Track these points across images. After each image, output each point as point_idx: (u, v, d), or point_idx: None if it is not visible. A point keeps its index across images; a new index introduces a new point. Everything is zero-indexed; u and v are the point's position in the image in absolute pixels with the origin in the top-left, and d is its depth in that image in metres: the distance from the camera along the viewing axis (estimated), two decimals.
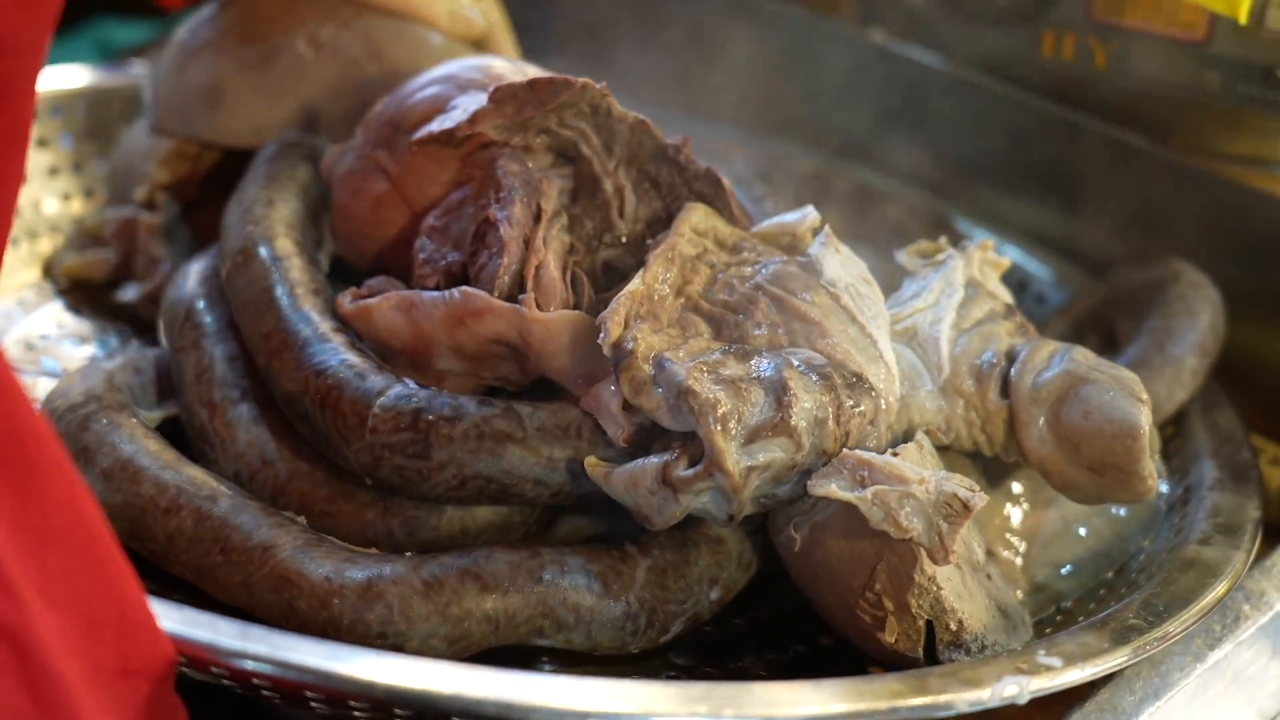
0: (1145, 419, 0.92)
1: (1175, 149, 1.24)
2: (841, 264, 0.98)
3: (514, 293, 0.95)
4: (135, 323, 1.18)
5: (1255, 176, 1.21)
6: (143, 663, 0.70)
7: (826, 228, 0.99)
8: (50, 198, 1.31)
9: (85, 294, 1.23)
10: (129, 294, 1.17)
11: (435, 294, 0.95)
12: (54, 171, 1.31)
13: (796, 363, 0.90)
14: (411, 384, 0.93)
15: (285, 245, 1.01)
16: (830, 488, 0.87)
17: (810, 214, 0.99)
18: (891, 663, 0.90)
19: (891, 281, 1.05)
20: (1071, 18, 1.21)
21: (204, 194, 1.19)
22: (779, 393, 0.87)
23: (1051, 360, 0.97)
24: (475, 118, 0.98)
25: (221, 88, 1.15)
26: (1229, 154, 1.23)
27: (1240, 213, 1.19)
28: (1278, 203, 1.18)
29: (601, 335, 0.90)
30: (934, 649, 0.88)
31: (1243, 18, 1.10)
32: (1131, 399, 0.93)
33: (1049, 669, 0.82)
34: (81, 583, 0.67)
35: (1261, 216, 1.18)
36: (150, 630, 0.70)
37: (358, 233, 1.04)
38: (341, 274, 1.06)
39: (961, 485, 0.85)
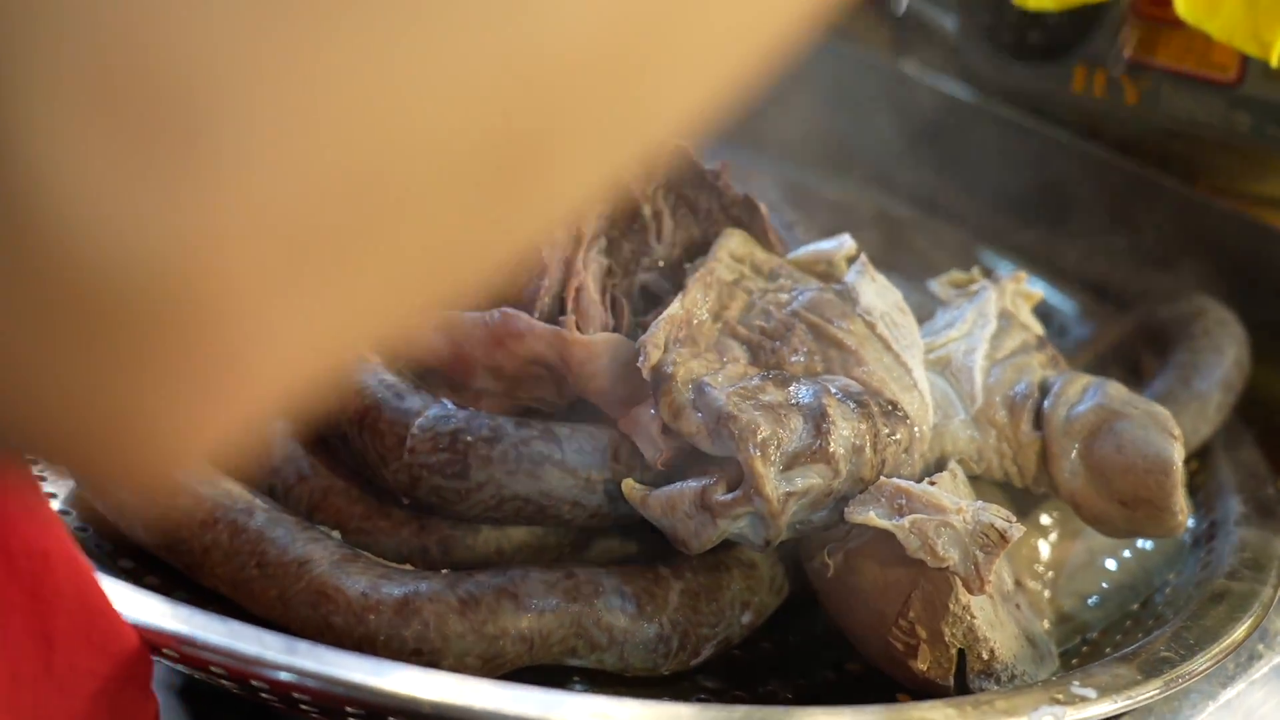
0: (1178, 455, 0.93)
1: (1203, 188, 1.25)
2: (877, 293, 0.99)
3: (554, 314, 0.96)
4: None
5: None
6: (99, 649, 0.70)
7: (863, 256, 1.00)
8: None
9: None
10: None
11: (475, 314, 0.96)
12: None
13: (834, 390, 0.90)
14: (450, 404, 0.93)
15: None
16: (868, 515, 0.87)
17: (846, 242, 1.00)
18: (921, 690, 0.90)
19: (919, 311, 1.06)
20: (1103, 55, 1.22)
21: None
22: (818, 419, 0.88)
23: (1085, 394, 0.98)
24: None
25: None
26: (1257, 195, 1.24)
27: (1266, 253, 1.20)
28: None
29: (641, 359, 0.91)
30: (964, 677, 0.89)
31: (1275, 60, 1.11)
32: (1165, 435, 0.94)
33: (1084, 700, 0.82)
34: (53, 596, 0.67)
35: None
36: (125, 637, 0.70)
37: None
38: None
39: (999, 516, 0.86)
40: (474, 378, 0.97)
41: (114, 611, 0.71)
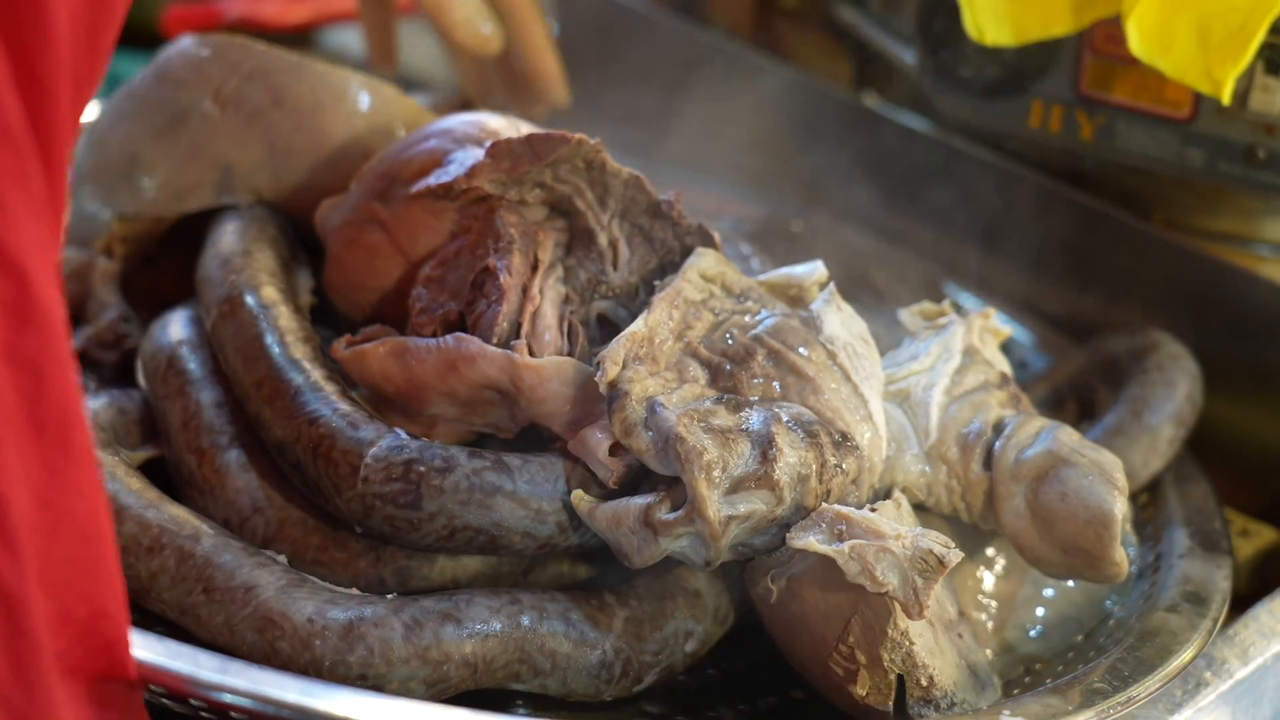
0: (1119, 508, 0.95)
1: (1158, 222, 1.26)
2: (842, 322, 1.00)
3: (510, 340, 0.97)
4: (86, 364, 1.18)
5: (1235, 253, 1.23)
6: (102, 672, 0.71)
7: (831, 285, 1.01)
8: None
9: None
10: (76, 340, 1.17)
11: (429, 340, 0.97)
12: None
13: (785, 418, 0.91)
14: (403, 434, 0.94)
15: (271, 293, 1.03)
16: (809, 540, 0.88)
17: (818, 268, 1.02)
18: (862, 717, 0.91)
19: (878, 343, 1.07)
20: (1060, 91, 1.24)
21: (160, 249, 1.20)
22: (765, 446, 0.89)
23: (1036, 438, 0.99)
24: (473, 172, 1.00)
25: (136, 157, 1.16)
26: (1210, 230, 1.25)
27: (1219, 288, 1.22)
28: (1256, 279, 1.20)
29: (599, 374, 0.92)
30: (904, 704, 0.90)
31: (1226, 98, 1.12)
32: (1109, 486, 0.95)
33: None
34: (74, 577, 0.68)
35: (1240, 292, 1.21)
36: (118, 646, 0.71)
37: (352, 284, 1.06)
38: (322, 323, 1.07)
39: (937, 542, 0.87)
40: (428, 404, 0.98)
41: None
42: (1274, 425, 1.21)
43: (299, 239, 1.14)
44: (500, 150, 1.00)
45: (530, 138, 1.00)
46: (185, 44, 1.19)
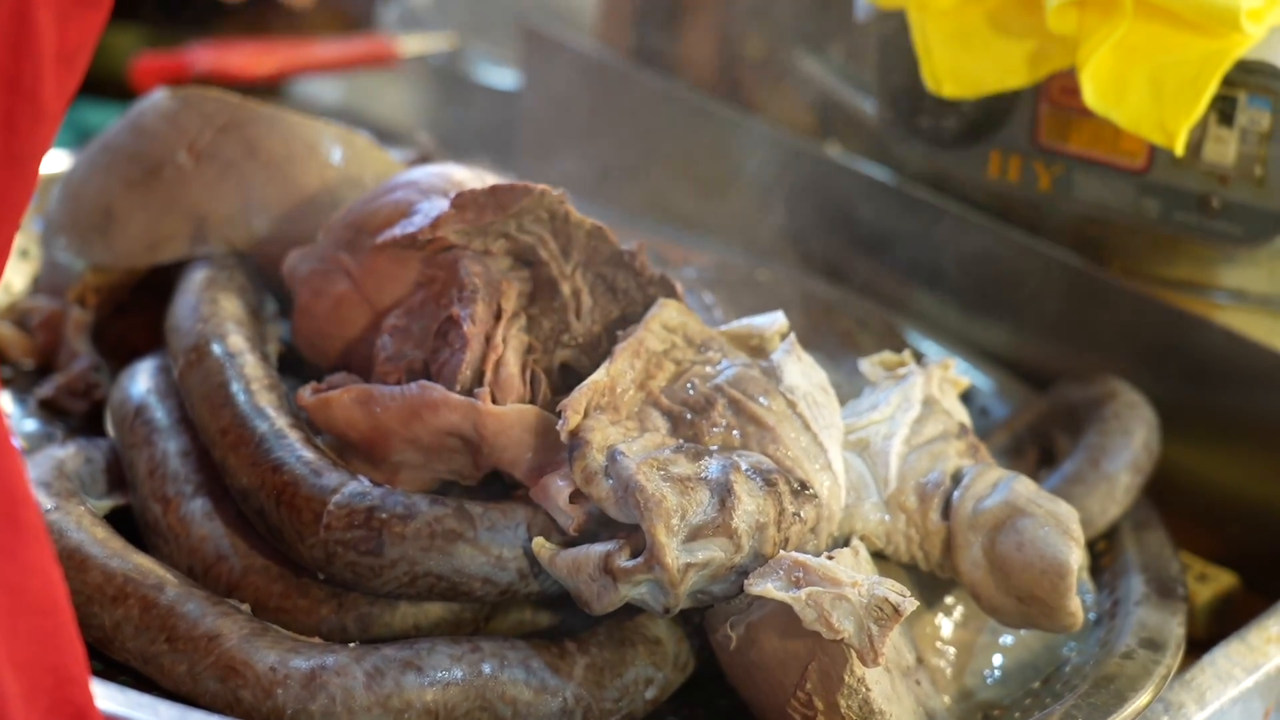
0: (1075, 559, 0.96)
1: (1116, 271, 1.28)
2: (802, 372, 1.01)
3: (474, 388, 0.98)
4: (56, 413, 1.18)
5: (1191, 301, 1.25)
6: None
7: (792, 335, 1.02)
8: (21, 278, 1.33)
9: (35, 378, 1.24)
10: (46, 389, 1.18)
11: (394, 388, 0.98)
12: (25, 254, 1.34)
13: (745, 466, 0.93)
14: (366, 482, 0.95)
15: (237, 341, 1.04)
16: (766, 587, 0.89)
17: (779, 319, 1.03)
18: None
19: (838, 391, 1.08)
20: (1017, 141, 1.26)
21: (132, 299, 1.21)
22: (723, 495, 0.90)
23: (994, 488, 1.00)
24: (438, 222, 1.01)
25: (110, 209, 1.17)
26: (1167, 278, 1.27)
27: (1176, 335, 1.23)
28: (1212, 327, 1.22)
29: (560, 422, 0.93)
30: None
31: (1179, 149, 1.14)
32: (1065, 537, 0.96)
33: None
34: (38, 651, 0.68)
35: (1196, 340, 1.22)
36: (87, 710, 0.72)
37: (319, 332, 1.07)
38: (289, 371, 1.08)
39: (893, 590, 0.88)
40: (392, 450, 0.99)
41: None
42: (1231, 471, 1.22)
43: (270, 288, 1.15)
44: (465, 201, 1.01)
45: (494, 189, 1.01)
46: (159, 97, 1.20)
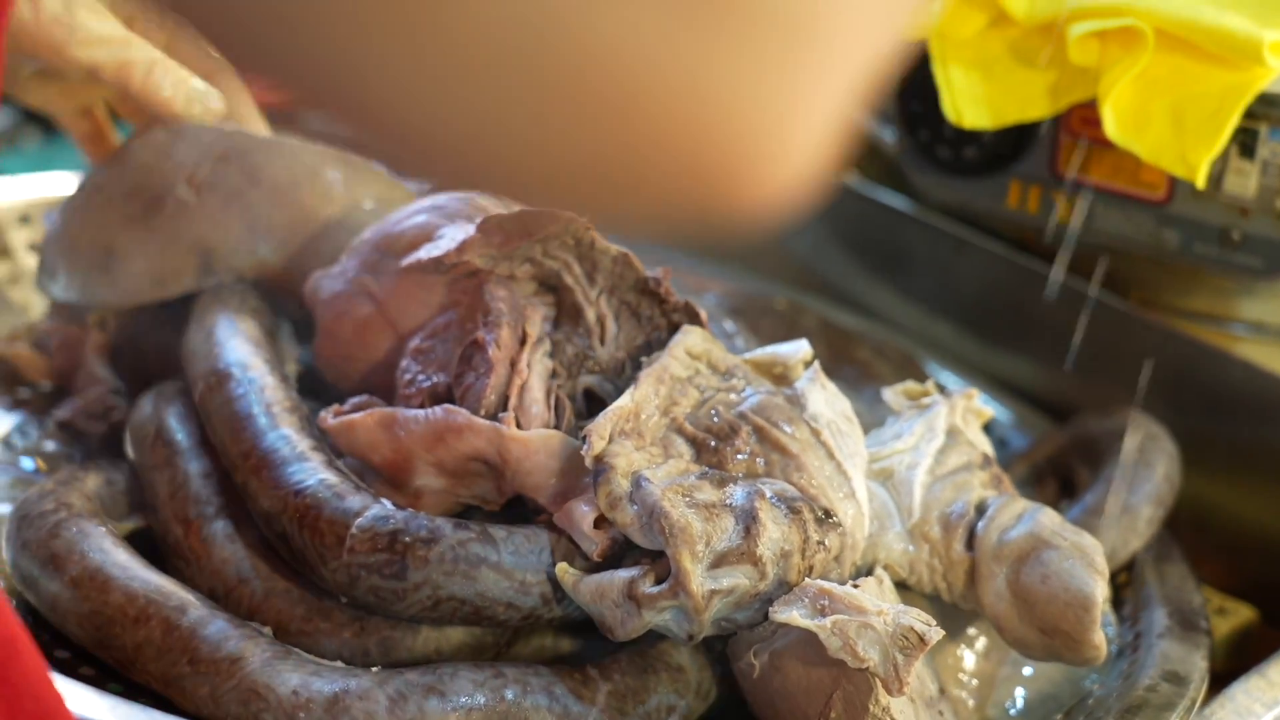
0: (1100, 591, 0.96)
1: (1135, 303, 1.28)
2: (826, 400, 1.01)
3: (498, 413, 0.98)
4: (74, 435, 1.18)
5: (1211, 333, 1.25)
6: None
7: (816, 364, 1.02)
8: (41, 300, 1.33)
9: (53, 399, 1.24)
10: (64, 411, 1.18)
11: (418, 411, 0.98)
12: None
13: (769, 494, 0.92)
14: (389, 505, 0.95)
15: (257, 364, 1.04)
16: (791, 614, 0.89)
17: (803, 347, 1.03)
18: None
19: (862, 419, 1.08)
20: (1037, 172, 1.26)
21: (152, 320, 1.20)
22: (748, 522, 0.90)
23: (1019, 520, 1.00)
24: (464, 246, 1.01)
25: (111, 248, 1.16)
26: (1187, 310, 1.27)
27: (1196, 367, 1.23)
28: (1232, 359, 1.22)
29: (585, 447, 0.93)
30: None
31: (1200, 182, 1.15)
32: (1090, 569, 0.96)
33: None
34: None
35: (1216, 372, 1.23)
36: None
37: (342, 355, 1.07)
38: (307, 394, 1.08)
39: (919, 619, 0.88)
40: (415, 474, 0.99)
41: (66, 712, 0.73)
42: (1250, 504, 1.22)
43: (284, 312, 1.15)
44: (491, 226, 1.01)
45: (521, 214, 1.01)
46: (150, 133, 1.19)
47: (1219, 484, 1.23)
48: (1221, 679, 1.07)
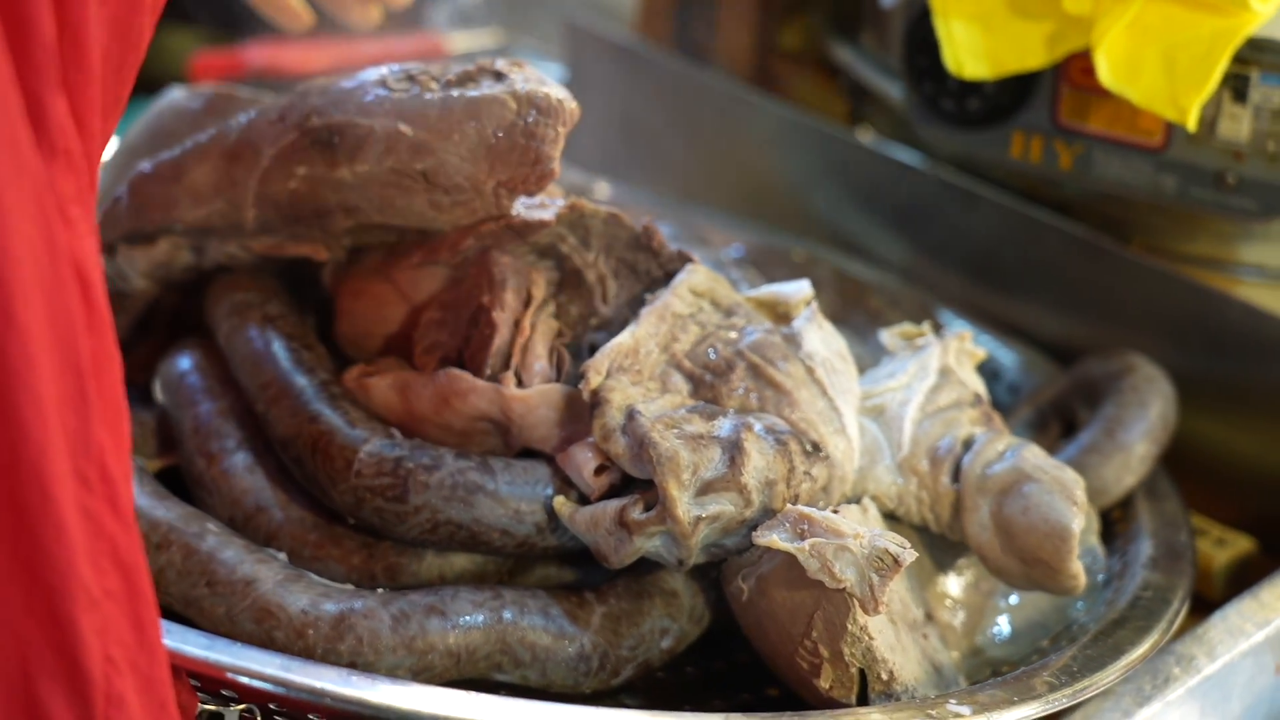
0: (1077, 523, 0.99)
1: (1137, 248, 1.31)
2: (822, 339, 1.05)
3: (502, 371, 1.02)
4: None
5: (1211, 276, 1.28)
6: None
7: (814, 304, 1.06)
8: None
9: None
10: None
11: (423, 375, 1.04)
12: None
13: (757, 427, 0.97)
14: (398, 435, 1.00)
15: (277, 306, 1.10)
16: (772, 538, 0.93)
17: (804, 287, 1.07)
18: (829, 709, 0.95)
19: (863, 364, 1.12)
20: (1038, 122, 1.29)
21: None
22: (734, 452, 0.94)
23: (1003, 455, 1.03)
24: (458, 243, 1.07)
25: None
26: (1187, 254, 1.29)
27: (1196, 310, 1.26)
28: (1231, 301, 1.24)
29: (582, 382, 0.97)
30: (867, 698, 0.94)
31: (1192, 125, 1.17)
32: (1068, 502, 1.00)
33: (957, 716, 0.87)
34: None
35: (1217, 314, 1.25)
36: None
37: (361, 332, 1.12)
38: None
39: (893, 541, 0.92)
40: (428, 436, 1.04)
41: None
42: (1251, 440, 1.25)
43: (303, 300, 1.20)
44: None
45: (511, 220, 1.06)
46: (175, 96, 1.23)
47: (1221, 422, 1.25)
48: (1220, 606, 1.10)
